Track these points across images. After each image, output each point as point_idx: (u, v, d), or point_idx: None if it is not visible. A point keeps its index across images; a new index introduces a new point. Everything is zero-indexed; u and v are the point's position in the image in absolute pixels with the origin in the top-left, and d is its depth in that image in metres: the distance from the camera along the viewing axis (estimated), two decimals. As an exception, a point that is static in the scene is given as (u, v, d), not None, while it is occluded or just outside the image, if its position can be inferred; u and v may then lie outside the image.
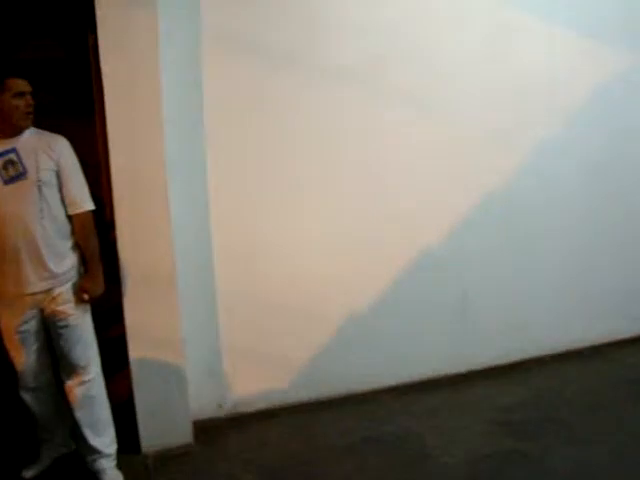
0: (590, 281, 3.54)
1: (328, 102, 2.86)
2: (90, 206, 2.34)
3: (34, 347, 2.34)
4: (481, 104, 3.10)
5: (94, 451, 2.43)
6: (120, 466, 2.49)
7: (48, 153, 2.23)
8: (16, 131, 2.22)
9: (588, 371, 3.33)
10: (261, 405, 2.99)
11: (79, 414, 2.39)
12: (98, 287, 2.35)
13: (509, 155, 3.23)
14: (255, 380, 2.98)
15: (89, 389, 2.39)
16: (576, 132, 3.33)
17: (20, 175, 2.18)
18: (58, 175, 2.25)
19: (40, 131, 2.28)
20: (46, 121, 2.36)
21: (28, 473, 2.48)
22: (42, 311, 2.31)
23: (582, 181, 3.42)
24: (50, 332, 2.35)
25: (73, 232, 2.33)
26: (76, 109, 3.45)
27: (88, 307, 2.38)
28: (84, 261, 2.37)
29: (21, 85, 2.19)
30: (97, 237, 2.37)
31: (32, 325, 2.31)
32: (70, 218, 2.31)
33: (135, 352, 2.56)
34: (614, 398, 3.02)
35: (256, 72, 2.73)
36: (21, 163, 2.18)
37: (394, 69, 2.93)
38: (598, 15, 3.24)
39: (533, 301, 3.42)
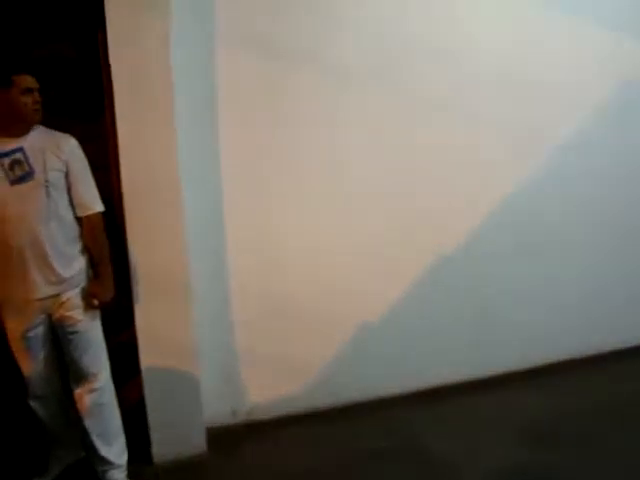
0: (613, 286, 3.43)
1: (344, 101, 2.78)
2: (100, 207, 2.26)
3: (42, 354, 2.27)
4: (500, 108, 3.00)
5: (105, 462, 2.36)
6: (131, 476, 2.42)
7: (56, 153, 2.15)
8: (24, 130, 2.15)
9: (611, 379, 3.18)
10: (276, 412, 2.90)
11: (88, 422, 2.32)
12: (108, 292, 2.27)
13: (528, 161, 3.14)
14: (270, 386, 2.90)
15: (99, 397, 2.32)
16: (594, 139, 3.23)
17: (27, 175, 2.10)
18: (66, 176, 2.17)
19: (48, 130, 2.21)
20: (55, 120, 2.28)
21: (38, 484, 2.42)
22: (50, 317, 2.23)
23: (604, 185, 3.31)
24: (59, 338, 2.28)
25: (81, 235, 2.26)
26: (85, 108, 3.38)
27: (98, 312, 2.31)
28: (93, 265, 2.29)
29: (29, 81, 2.13)
30: (107, 240, 2.30)
31: (40, 331, 2.24)
32: (79, 220, 2.24)
33: (147, 358, 2.49)
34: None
35: (271, 70, 2.65)
36: (28, 163, 2.10)
37: (413, 69, 2.85)
38: (623, 12, 3.14)
39: (554, 306, 3.31)
